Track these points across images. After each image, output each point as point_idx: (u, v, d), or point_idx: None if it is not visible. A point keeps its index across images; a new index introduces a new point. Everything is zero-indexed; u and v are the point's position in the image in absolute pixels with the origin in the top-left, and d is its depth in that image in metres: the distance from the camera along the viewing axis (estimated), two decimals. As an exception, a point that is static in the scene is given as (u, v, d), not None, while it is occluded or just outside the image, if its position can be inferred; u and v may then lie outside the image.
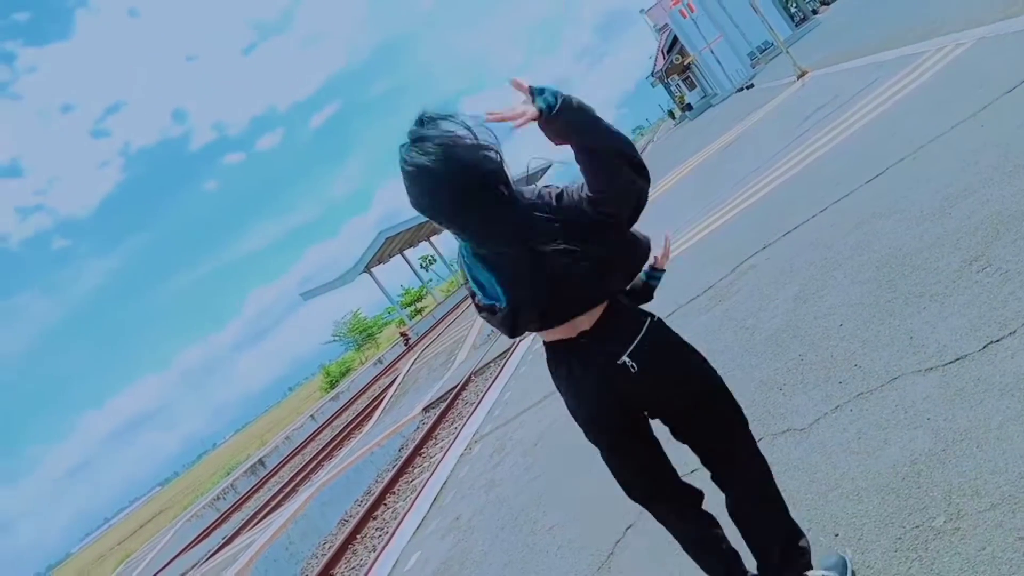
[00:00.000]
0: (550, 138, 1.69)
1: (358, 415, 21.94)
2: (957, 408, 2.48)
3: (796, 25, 51.65)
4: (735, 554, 2.11)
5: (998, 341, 2.69)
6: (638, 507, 3.45)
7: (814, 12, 60.71)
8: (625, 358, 1.85)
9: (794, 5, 57.13)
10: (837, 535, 2.35)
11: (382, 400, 20.04)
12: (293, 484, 17.52)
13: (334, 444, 19.82)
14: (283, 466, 24.15)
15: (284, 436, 30.51)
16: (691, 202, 11.74)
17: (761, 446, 2.16)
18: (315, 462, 18.85)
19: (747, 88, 30.84)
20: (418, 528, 5.70)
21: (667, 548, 3.04)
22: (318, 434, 26.52)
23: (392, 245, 44.30)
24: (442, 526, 5.33)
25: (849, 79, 12.65)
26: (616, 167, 1.73)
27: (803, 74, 18.01)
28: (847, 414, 2.89)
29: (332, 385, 50.16)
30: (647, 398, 1.91)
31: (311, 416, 31.36)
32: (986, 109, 5.41)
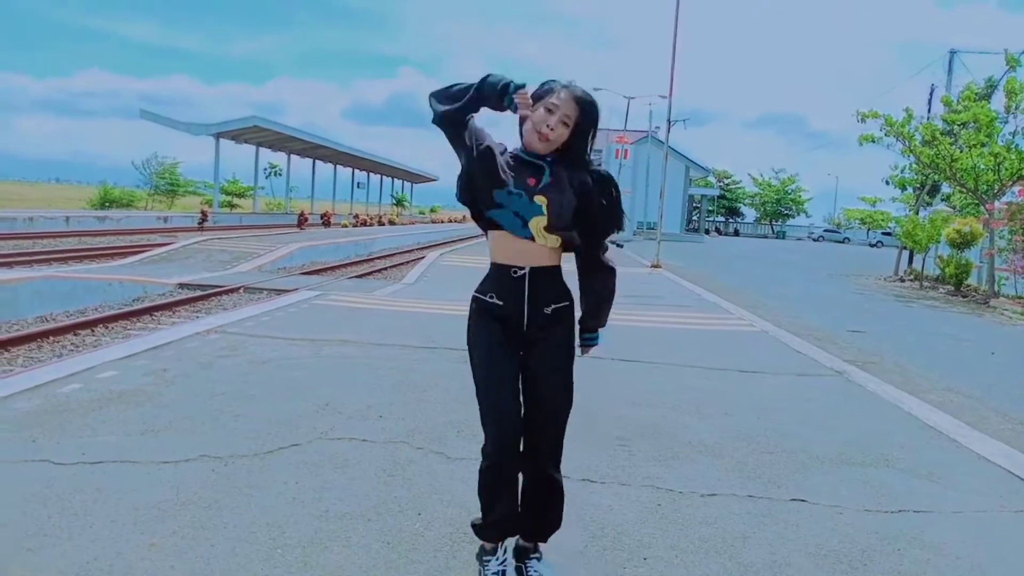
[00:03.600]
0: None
1: (115, 247, 21.08)
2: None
3: (686, 230, 56.49)
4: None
5: (595, 482, 3.85)
6: (312, 437, 4.31)
7: (706, 232, 66.60)
8: None
9: (696, 216, 62.63)
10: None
11: (147, 250, 19.47)
12: (10, 260, 16.58)
13: (75, 253, 18.95)
14: (7, 239, 22.52)
15: (28, 215, 28.33)
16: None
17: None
18: (46, 255, 17.95)
19: (617, 245, 33.52)
20: (123, 358, 6.12)
21: (309, 471, 3.91)
22: (63, 235, 24.99)
23: (256, 134, 42.97)
24: (147, 368, 5.83)
25: (675, 289, 14.63)
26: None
27: (657, 265, 20.28)
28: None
29: (103, 205, 46.90)
30: None
31: (67, 217, 29.37)
32: (722, 371, 6.95)
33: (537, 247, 2.66)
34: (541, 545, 2.95)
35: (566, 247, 2.74)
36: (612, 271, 2.87)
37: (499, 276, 2.71)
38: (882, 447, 4.89)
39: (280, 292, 12.67)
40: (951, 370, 9.07)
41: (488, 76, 2.52)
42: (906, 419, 5.74)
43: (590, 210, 2.71)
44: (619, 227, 2.84)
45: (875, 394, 6.51)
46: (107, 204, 47.04)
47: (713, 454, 4.53)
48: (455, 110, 2.55)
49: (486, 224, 2.73)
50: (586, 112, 2.63)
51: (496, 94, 2.50)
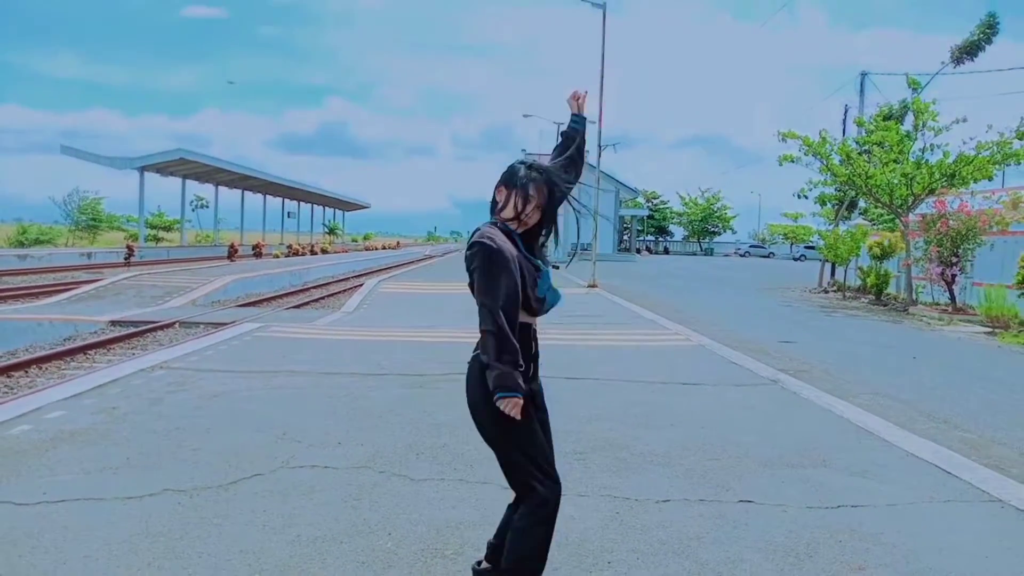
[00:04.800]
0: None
1: (40, 286, 20.41)
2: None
3: (618, 251, 57.52)
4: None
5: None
6: (274, 466, 4.36)
7: (638, 251, 67.91)
8: None
9: (627, 236, 63.83)
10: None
11: (74, 288, 18.93)
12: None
13: (-3, 293, 18.29)
14: (-78, 280, 21.57)
15: (-58, 254, 27.18)
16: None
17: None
18: (-34, 297, 17.27)
19: (554, 267, 33.97)
20: (70, 398, 6.03)
21: (276, 499, 3.98)
22: (-19, 276, 24.06)
23: (183, 167, 42.16)
24: (96, 407, 5.76)
25: (613, 308, 14.98)
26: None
27: (593, 285, 20.72)
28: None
29: (21, 243, 45.19)
30: None
31: (-15, 256, 28.28)
32: (664, 384, 7.23)
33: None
34: None
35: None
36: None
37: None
38: (819, 449, 5.20)
39: (218, 326, 12.51)
40: (876, 375, 9.56)
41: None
42: (839, 422, 6.09)
43: None
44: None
45: (809, 400, 6.87)
46: (25, 242, 45.32)
47: (664, 463, 4.75)
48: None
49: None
50: (552, 182, 2.81)
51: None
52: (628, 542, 3.52)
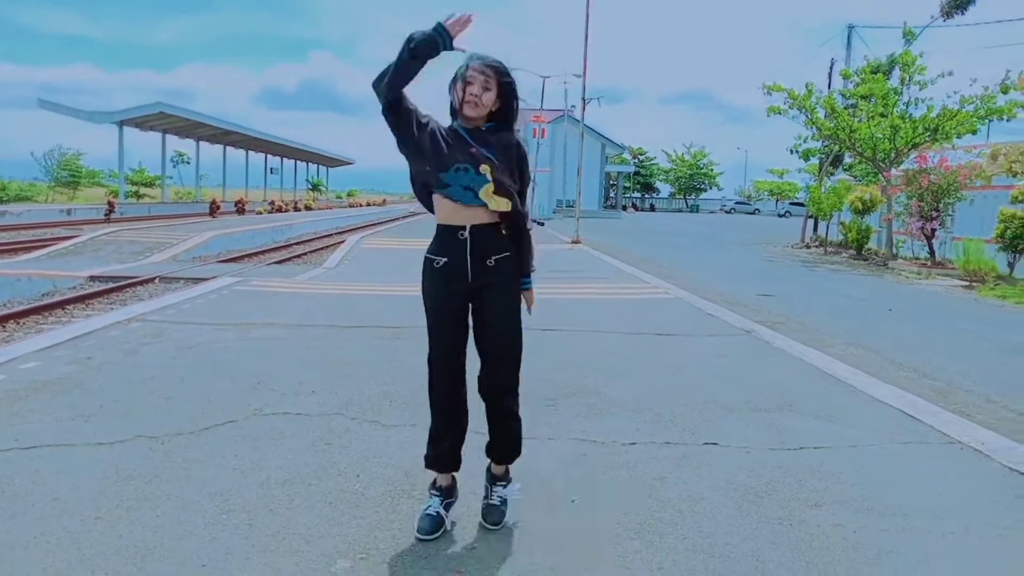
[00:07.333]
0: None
1: (18, 242, 20.19)
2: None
3: (604, 207, 57.38)
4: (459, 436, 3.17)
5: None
6: (247, 413, 4.40)
7: (624, 208, 67.73)
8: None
9: (613, 192, 63.60)
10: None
11: (53, 244, 18.75)
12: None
13: (-26, 250, 18.09)
14: (-102, 236, 21.29)
15: (-83, 211, 26.78)
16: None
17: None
18: (-58, 253, 17.10)
19: (538, 223, 33.92)
20: (44, 349, 6.02)
21: (247, 444, 4.02)
22: (-42, 232, 23.77)
23: (163, 121, 41.50)
24: (70, 357, 5.75)
25: (594, 263, 15.04)
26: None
27: (576, 241, 20.74)
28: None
29: (0, 200, 44.60)
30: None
31: (-39, 212, 27.89)
32: (639, 335, 7.29)
33: (480, 209, 2.95)
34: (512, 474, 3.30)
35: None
36: (528, 225, 3.20)
37: (444, 236, 3.03)
38: (786, 395, 5.29)
39: (197, 280, 12.44)
40: (852, 326, 9.68)
41: (412, 33, 2.75)
42: (808, 370, 6.19)
43: (520, 171, 3.07)
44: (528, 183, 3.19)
45: (781, 349, 6.96)
46: (4, 199, 44.72)
47: (633, 409, 4.83)
48: (393, 76, 2.75)
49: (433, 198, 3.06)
50: (499, 71, 2.94)
51: (427, 39, 2.73)
52: (592, 483, 3.60)
